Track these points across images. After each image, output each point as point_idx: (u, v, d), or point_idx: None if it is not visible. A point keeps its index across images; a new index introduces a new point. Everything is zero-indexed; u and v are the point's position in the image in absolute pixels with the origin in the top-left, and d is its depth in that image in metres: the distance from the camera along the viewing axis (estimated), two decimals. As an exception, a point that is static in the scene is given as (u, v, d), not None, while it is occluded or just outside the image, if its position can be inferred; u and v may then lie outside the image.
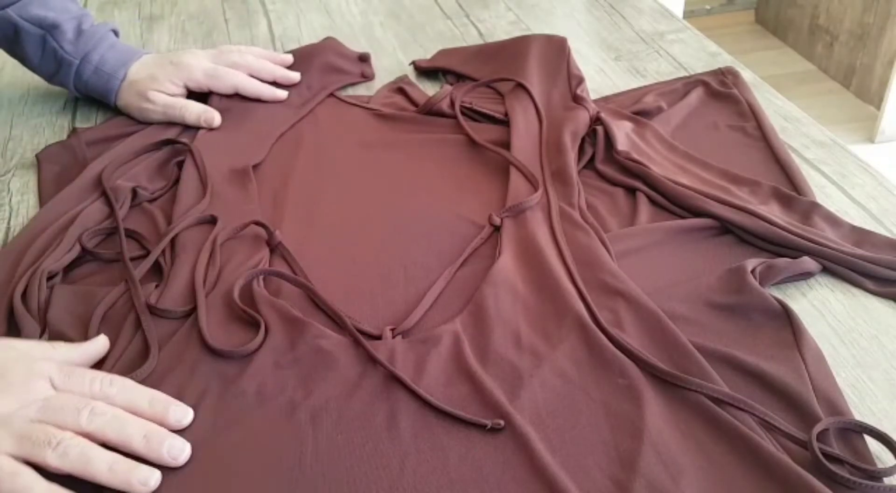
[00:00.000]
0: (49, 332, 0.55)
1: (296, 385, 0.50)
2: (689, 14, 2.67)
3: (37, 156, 0.76)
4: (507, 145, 0.72)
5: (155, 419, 0.46)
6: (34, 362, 0.47)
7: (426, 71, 0.89)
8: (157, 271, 0.61)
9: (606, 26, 0.99)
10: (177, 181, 0.70)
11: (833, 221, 0.62)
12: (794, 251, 0.58)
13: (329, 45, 0.91)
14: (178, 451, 0.45)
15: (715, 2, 2.85)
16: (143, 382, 0.50)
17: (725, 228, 0.62)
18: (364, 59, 0.89)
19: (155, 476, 0.44)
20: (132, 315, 0.56)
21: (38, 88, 0.88)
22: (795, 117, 0.77)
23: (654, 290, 0.56)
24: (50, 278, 0.59)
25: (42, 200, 0.70)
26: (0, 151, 0.78)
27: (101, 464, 0.43)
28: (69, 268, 0.61)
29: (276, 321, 0.54)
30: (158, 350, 0.53)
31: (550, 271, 0.57)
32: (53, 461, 0.43)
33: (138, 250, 0.63)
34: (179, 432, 0.47)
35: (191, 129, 0.78)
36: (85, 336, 0.54)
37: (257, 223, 0.63)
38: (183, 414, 0.47)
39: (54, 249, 0.61)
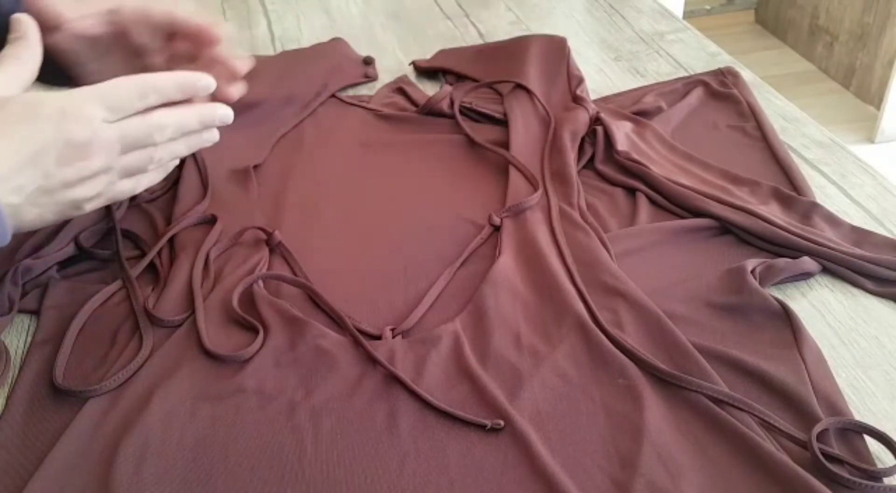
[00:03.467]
0: (39, 324, 0.56)
1: (296, 385, 0.50)
2: (689, 14, 2.67)
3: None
4: (506, 145, 0.72)
5: (190, 93, 0.54)
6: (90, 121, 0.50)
7: (426, 71, 0.89)
8: (153, 272, 0.61)
9: (606, 26, 0.99)
10: (176, 181, 0.70)
11: (833, 221, 0.62)
12: (794, 251, 0.58)
13: (335, 46, 0.91)
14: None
15: (715, 2, 2.85)
16: (138, 378, 0.51)
17: (725, 229, 0.62)
18: (368, 62, 0.90)
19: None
20: (131, 317, 0.56)
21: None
22: (795, 117, 0.78)
23: (654, 290, 0.56)
24: (43, 273, 0.59)
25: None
26: (0, 151, 0.78)
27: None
28: (65, 266, 0.61)
29: (276, 321, 0.54)
30: (152, 344, 0.53)
31: (550, 271, 0.57)
32: (159, 175, 0.56)
33: (135, 250, 0.63)
34: (180, 426, 0.47)
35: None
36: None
37: (257, 229, 0.63)
38: (210, 82, 0.54)
39: (47, 245, 0.61)
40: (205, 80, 0.54)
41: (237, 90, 0.63)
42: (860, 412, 0.48)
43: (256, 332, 0.54)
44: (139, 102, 0.51)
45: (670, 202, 0.64)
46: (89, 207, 0.52)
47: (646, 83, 0.84)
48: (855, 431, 0.46)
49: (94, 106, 0.49)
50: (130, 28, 0.62)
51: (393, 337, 0.54)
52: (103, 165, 0.50)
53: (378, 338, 0.54)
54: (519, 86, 0.79)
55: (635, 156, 0.68)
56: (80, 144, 0.49)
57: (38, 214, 0.50)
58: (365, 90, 0.86)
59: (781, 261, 0.57)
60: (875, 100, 2.34)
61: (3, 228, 0.47)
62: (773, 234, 0.59)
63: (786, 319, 0.53)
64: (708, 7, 2.84)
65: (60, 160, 0.48)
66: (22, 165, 0.47)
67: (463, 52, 0.90)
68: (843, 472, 0.43)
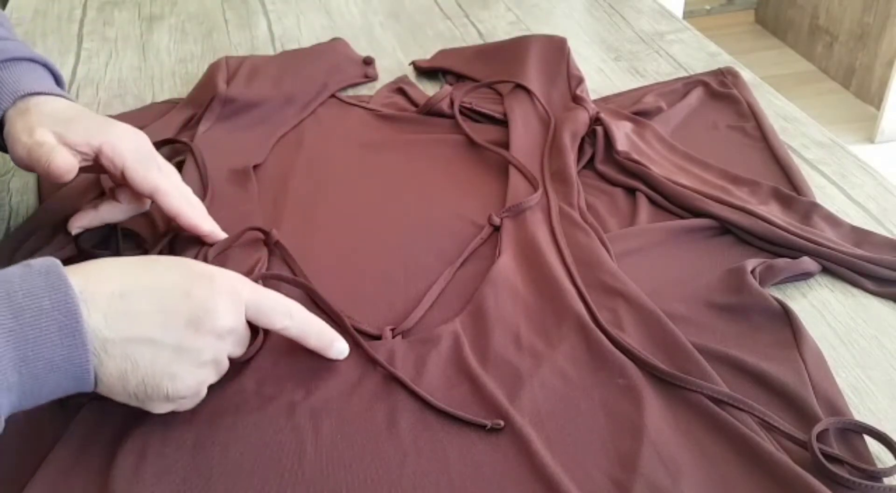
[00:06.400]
0: None
1: (296, 385, 0.50)
2: (688, 14, 2.67)
3: (37, 156, 0.76)
4: (506, 146, 0.72)
5: (320, 349, 0.51)
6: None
7: (426, 71, 0.89)
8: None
9: (606, 26, 0.99)
10: (177, 181, 0.70)
11: (833, 221, 0.62)
12: (794, 251, 0.58)
13: (335, 46, 0.91)
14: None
15: (715, 2, 2.85)
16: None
17: (725, 229, 0.62)
18: (368, 62, 0.90)
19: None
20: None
21: (38, 88, 0.88)
22: (795, 117, 0.78)
23: (654, 290, 0.56)
24: None
25: (42, 200, 0.70)
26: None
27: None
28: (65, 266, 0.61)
29: (276, 321, 0.54)
30: None
31: (550, 271, 0.57)
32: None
33: (135, 249, 0.63)
34: (180, 426, 0.47)
35: (191, 128, 0.78)
36: None
37: (254, 229, 0.63)
38: (343, 348, 0.52)
39: (47, 246, 0.61)
40: (341, 347, 0.51)
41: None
42: (860, 412, 0.48)
43: (256, 332, 0.54)
44: (279, 320, 0.49)
45: (670, 202, 0.64)
46: (167, 406, 0.46)
47: (646, 83, 0.84)
48: (855, 431, 0.46)
49: (246, 292, 0.48)
50: (106, 169, 0.58)
51: (393, 337, 0.54)
52: (217, 351, 0.47)
53: (378, 338, 0.54)
54: (519, 86, 0.79)
55: (635, 156, 0.68)
56: (218, 312, 0.45)
57: (119, 371, 0.43)
58: (365, 90, 0.86)
59: (781, 261, 0.57)
60: (875, 100, 2.34)
61: (84, 369, 0.41)
62: (773, 234, 0.59)
63: (786, 319, 0.53)
64: (708, 7, 2.84)
65: (191, 320, 0.44)
66: (143, 300, 0.43)
67: (463, 52, 0.90)
68: (843, 472, 0.43)
